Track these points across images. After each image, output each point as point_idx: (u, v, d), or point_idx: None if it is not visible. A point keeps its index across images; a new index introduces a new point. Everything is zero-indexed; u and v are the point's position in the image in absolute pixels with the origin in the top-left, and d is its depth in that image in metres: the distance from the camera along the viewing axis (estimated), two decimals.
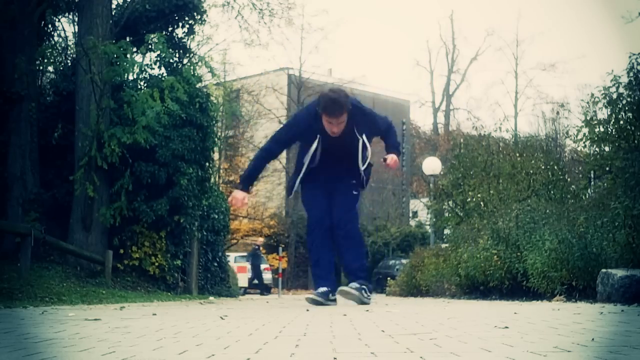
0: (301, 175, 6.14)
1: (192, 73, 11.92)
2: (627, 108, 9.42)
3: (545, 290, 7.42)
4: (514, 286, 8.64)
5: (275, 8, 18.50)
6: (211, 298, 11.55)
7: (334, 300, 6.09)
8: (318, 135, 5.95)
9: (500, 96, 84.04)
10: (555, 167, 13.23)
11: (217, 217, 14.72)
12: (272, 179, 38.44)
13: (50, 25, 13.32)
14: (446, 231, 17.76)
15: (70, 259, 11.04)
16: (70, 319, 4.02)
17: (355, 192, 6.30)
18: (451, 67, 45.08)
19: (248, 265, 27.58)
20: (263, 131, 38.10)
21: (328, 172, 6.13)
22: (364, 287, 6.07)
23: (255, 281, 27.91)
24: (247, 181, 6.30)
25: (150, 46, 11.84)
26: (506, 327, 2.93)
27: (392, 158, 6.13)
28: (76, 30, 12.92)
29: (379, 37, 78.27)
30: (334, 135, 5.95)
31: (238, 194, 6.11)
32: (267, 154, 6.41)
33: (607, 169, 9.92)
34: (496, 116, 50.00)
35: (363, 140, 6.03)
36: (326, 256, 6.31)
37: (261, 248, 28.20)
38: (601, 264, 6.44)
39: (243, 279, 25.61)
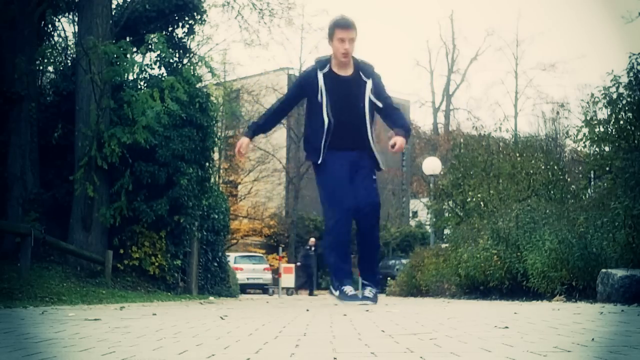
0: (325, 132, 5.83)
1: (192, 73, 11.91)
2: (627, 108, 9.42)
3: (545, 290, 7.42)
4: (514, 286, 8.64)
5: (275, 8, 18.49)
6: (211, 298, 11.55)
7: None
8: (321, 72, 5.94)
9: (500, 96, 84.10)
10: (555, 167, 13.23)
11: (217, 217, 14.72)
12: (272, 179, 38.46)
13: (50, 25, 13.32)
14: (446, 231, 17.77)
15: (70, 259, 11.04)
16: (70, 319, 4.02)
17: (374, 176, 6.14)
18: (451, 67, 45.09)
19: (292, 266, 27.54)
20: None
21: (342, 140, 5.87)
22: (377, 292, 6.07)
23: (306, 281, 27.86)
24: (254, 127, 6.22)
25: (150, 46, 11.84)
26: (506, 327, 2.93)
27: (399, 143, 5.91)
28: (76, 30, 12.92)
29: (379, 37, 78.24)
30: (342, 64, 5.93)
31: (242, 139, 6.06)
32: (278, 108, 6.31)
33: (607, 169, 9.92)
34: (496, 116, 50.04)
35: (368, 85, 5.97)
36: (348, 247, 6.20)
37: (312, 248, 28.10)
38: (601, 264, 6.44)
39: (288, 280, 25.67)
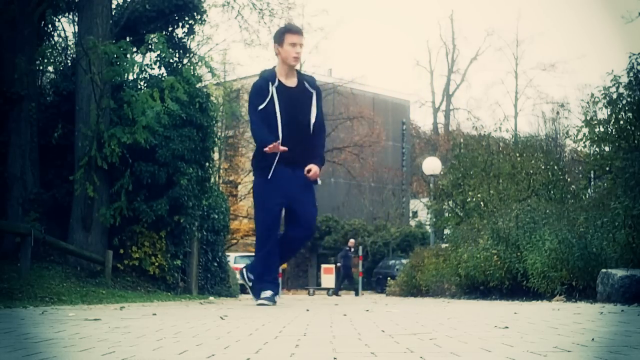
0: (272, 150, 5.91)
1: (192, 73, 11.90)
2: (627, 108, 9.42)
3: (545, 290, 7.42)
4: (514, 286, 8.64)
5: (275, 8, 18.48)
6: (211, 298, 11.55)
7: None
8: (273, 86, 6.11)
9: (500, 96, 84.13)
10: (555, 167, 13.23)
11: (217, 217, 14.71)
12: None
13: (50, 25, 13.31)
14: (446, 231, 17.76)
15: (70, 259, 11.04)
16: (70, 319, 4.02)
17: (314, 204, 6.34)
18: (451, 67, 45.10)
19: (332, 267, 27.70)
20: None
21: (292, 152, 5.94)
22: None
23: (346, 282, 27.97)
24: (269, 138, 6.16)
25: (150, 46, 11.84)
26: (506, 327, 2.93)
27: (314, 171, 6.09)
28: (76, 30, 12.91)
29: (379, 37, 78.25)
30: (289, 71, 6.16)
31: (271, 146, 5.95)
32: (258, 123, 6.24)
33: (607, 169, 9.92)
34: (496, 116, 50.03)
35: (314, 96, 6.16)
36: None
37: (351, 249, 28.20)
38: (601, 264, 6.45)
39: (328, 280, 25.71)
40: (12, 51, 11.43)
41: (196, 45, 18.16)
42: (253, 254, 34.53)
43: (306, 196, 6.19)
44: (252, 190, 6.45)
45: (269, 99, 6.06)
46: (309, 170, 6.07)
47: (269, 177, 5.99)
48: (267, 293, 6.09)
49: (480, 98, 64.76)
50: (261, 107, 6.10)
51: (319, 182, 6.23)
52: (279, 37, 6.23)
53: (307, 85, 6.20)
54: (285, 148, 5.89)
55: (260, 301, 6.06)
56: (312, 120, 6.11)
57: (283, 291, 24.34)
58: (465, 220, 13.70)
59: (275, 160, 5.95)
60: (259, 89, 6.19)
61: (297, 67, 6.39)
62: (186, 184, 11.54)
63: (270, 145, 5.87)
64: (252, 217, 37.58)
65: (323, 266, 24.63)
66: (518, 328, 2.92)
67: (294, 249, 6.76)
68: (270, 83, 6.12)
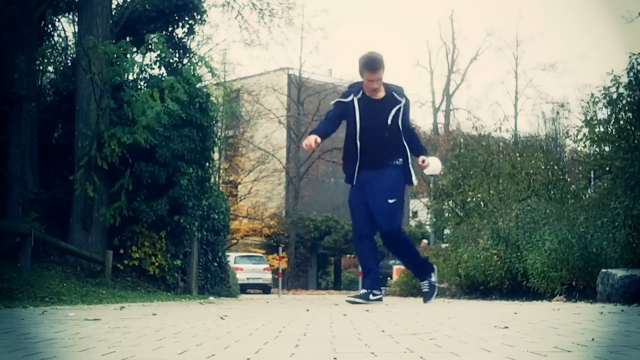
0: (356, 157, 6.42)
1: (192, 73, 11.90)
2: (627, 108, 9.42)
3: (545, 290, 7.42)
4: (514, 286, 8.64)
5: (275, 8, 18.51)
6: (211, 298, 11.55)
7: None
8: (356, 97, 6.44)
9: (500, 96, 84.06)
10: (555, 167, 13.23)
11: (217, 217, 14.71)
12: (272, 179, 38.46)
13: (50, 25, 13.31)
14: (446, 231, 17.76)
15: (70, 259, 11.04)
16: (70, 319, 4.02)
17: (391, 200, 6.51)
18: (451, 67, 45.06)
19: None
20: (263, 131, 38.11)
21: (373, 157, 6.37)
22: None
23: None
24: (317, 132, 6.53)
25: (150, 46, 11.83)
26: (506, 327, 2.93)
27: (427, 161, 6.60)
28: (76, 30, 12.91)
29: (379, 37, 78.21)
30: (373, 92, 6.42)
31: (310, 136, 6.43)
32: (326, 125, 6.64)
33: (607, 169, 9.92)
34: (496, 116, 49.95)
35: (401, 104, 6.49)
36: None
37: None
38: (601, 264, 6.44)
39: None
40: (12, 51, 11.43)
41: (196, 45, 18.14)
42: (253, 253, 34.56)
43: (383, 194, 6.43)
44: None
45: (350, 106, 6.45)
46: (423, 161, 6.59)
47: (354, 184, 6.49)
48: (359, 292, 6.51)
49: (480, 98, 64.58)
50: (337, 110, 6.54)
51: (438, 171, 6.74)
52: (360, 68, 6.49)
53: (395, 95, 6.54)
54: (315, 143, 6.31)
55: (348, 299, 6.51)
56: (389, 123, 6.43)
57: (283, 291, 24.34)
58: (465, 220, 13.71)
59: (356, 169, 6.43)
60: (343, 96, 6.63)
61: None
62: (186, 184, 11.54)
63: (308, 138, 6.37)
64: (251, 217, 37.66)
65: (395, 267, 24.61)
66: (518, 328, 2.92)
67: (390, 247, 6.88)
68: (353, 94, 6.49)
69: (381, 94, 6.54)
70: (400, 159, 6.47)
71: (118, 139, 10.79)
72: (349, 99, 6.48)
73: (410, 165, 6.53)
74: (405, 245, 6.68)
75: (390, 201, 6.38)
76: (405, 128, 6.56)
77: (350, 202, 6.63)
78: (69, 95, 12.01)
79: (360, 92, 6.50)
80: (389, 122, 6.43)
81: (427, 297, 6.53)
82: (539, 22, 71.90)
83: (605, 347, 2.20)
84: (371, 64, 6.40)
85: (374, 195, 6.38)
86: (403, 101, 6.56)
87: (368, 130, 6.38)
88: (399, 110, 6.47)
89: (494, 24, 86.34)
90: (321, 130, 6.53)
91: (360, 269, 6.84)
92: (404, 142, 6.49)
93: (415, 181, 6.63)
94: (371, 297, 6.32)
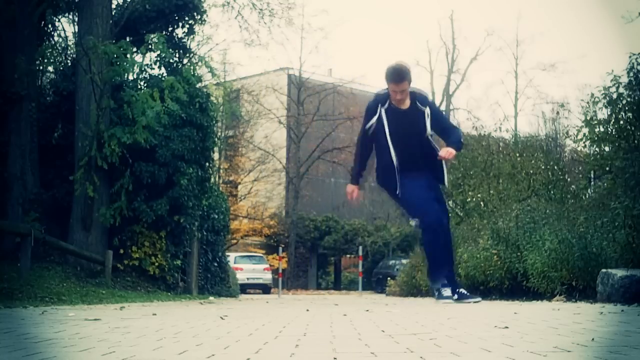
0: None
1: (192, 73, 11.91)
2: (627, 108, 9.42)
3: (545, 290, 7.42)
4: (514, 286, 8.63)
5: (275, 8, 18.51)
6: (211, 298, 11.55)
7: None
8: (382, 108, 6.54)
9: (500, 96, 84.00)
10: (555, 167, 13.22)
11: (217, 217, 14.71)
12: (272, 179, 38.46)
13: (50, 25, 13.32)
14: None
15: (70, 259, 11.04)
16: (70, 319, 4.02)
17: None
18: (451, 67, 45.06)
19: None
20: (263, 131, 38.10)
21: (406, 166, 6.49)
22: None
23: None
24: (356, 173, 6.90)
25: (150, 46, 11.84)
26: (506, 327, 2.93)
27: (446, 150, 6.55)
28: (76, 30, 12.92)
29: (379, 37, 78.21)
30: (398, 102, 6.51)
31: (348, 187, 6.86)
32: (361, 151, 6.86)
33: (607, 169, 9.91)
34: (496, 116, 49.92)
35: (426, 112, 6.57)
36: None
37: None
38: (601, 264, 6.44)
39: None
40: (12, 51, 11.43)
41: (196, 45, 18.17)
42: (253, 253, 34.71)
43: (430, 195, 6.60)
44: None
45: (377, 118, 6.56)
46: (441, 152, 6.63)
47: (397, 193, 6.57)
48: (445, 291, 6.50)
49: (480, 98, 64.59)
50: (368, 126, 6.63)
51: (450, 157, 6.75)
52: (385, 78, 6.58)
53: (418, 104, 6.60)
54: (355, 199, 6.76)
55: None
56: (427, 132, 6.54)
57: (283, 291, 24.34)
58: (465, 220, 13.69)
59: (398, 178, 6.52)
60: (368, 110, 6.71)
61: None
62: (186, 184, 11.54)
63: (351, 188, 6.77)
64: (251, 217, 37.65)
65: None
66: (518, 328, 2.92)
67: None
68: (380, 105, 6.58)
69: (407, 103, 6.62)
70: (432, 164, 6.57)
71: (118, 139, 10.79)
72: (377, 110, 6.57)
73: (443, 167, 6.64)
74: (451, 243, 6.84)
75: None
76: (444, 129, 6.69)
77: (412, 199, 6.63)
78: (69, 95, 12.01)
79: (387, 102, 6.59)
80: (420, 131, 6.53)
81: (463, 297, 6.45)
82: (539, 22, 71.90)
83: (605, 347, 2.20)
84: (396, 76, 6.48)
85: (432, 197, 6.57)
86: (427, 109, 6.63)
87: (399, 140, 6.49)
88: (425, 118, 6.56)
89: (494, 24, 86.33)
90: (357, 175, 6.82)
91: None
92: (435, 148, 6.58)
93: (447, 183, 6.82)
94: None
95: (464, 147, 16.45)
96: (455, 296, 6.46)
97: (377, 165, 6.78)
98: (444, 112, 7.12)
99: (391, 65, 6.57)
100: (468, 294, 6.57)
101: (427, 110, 6.62)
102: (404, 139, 6.52)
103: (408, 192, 6.54)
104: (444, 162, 6.63)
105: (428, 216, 6.54)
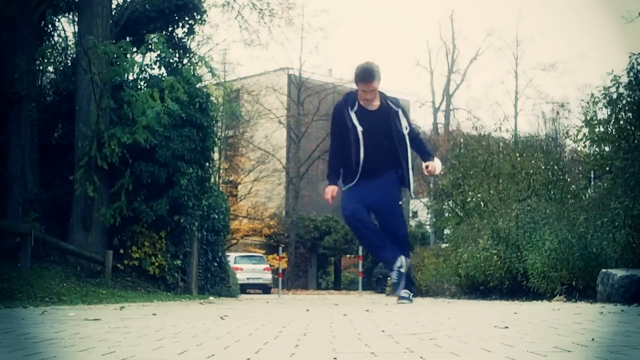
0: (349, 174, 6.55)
1: (192, 73, 11.91)
2: (627, 108, 9.42)
3: (545, 290, 7.42)
4: (514, 286, 8.64)
5: (275, 8, 18.51)
6: (211, 298, 11.55)
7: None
8: (352, 110, 6.49)
9: (500, 96, 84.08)
10: (555, 167, 13.23)
11: (217, 217, 14.71)
12: (272, 179, 38.46)
13: (50, 25, 13.31)
14: (446, 231, 17.76)
15: (70, 259, 11.04)
16: (70, 319, 4.02)
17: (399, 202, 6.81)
18: (451, 67, 45.06)
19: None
20: (263, 131, 38.10)
21: (373, 167, 6.44)
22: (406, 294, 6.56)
23: None
24: (335, 175, 6.78)
25: (150, 46, 11.84)
26: (506, 327, 2.94)
27: (433, 166, 6.72)
28: (76, 30, 12.91)
29: (379, 37, 78.23)
30: (367, 103, 6.48)
31: (327, 188, 6.75)
32: (335, 151, 6.78)
33: (607, 169, 9.92)
34: (496, 116, 49.93)
35: (399, 113, 6.56)
36: None
37: None
38: (601, 264, 6.44)
39: None
40: (12, 51, 11.43)
41: (196, 45, 18.15)
42: (253, 253, 34.75)
43: (388, 199, 6.62)
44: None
45: (347, 119, 6.51)
46: (427, 167, 6.75)
47: (350, 193, 6.57)
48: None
49: (480, 98, 64.61)
50: (340, 130, 6.60)
51: (438, 171, 6.89)
52: (355, 78, 6.57)
53: (390, 104, 6.59)
54: (332, 199, 6.72)
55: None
56: (402, 133, 6.53)
57: (283, 291, 24.33)
58: (465, 220, 13.70)
59: (356, 179, 6.49)
60: (338, 111, 6.67)
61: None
62: (186, 184, 11.54)
63: (330, 189, 6.67)
64: (251, 217, 37.64)
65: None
66: (518, 328, 2.92)
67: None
68: (349, 106, 6.55)
69: (376, 103, 6.57)
70: (399, 167, 6.55)
71: (118, 139, 10.79)
72: (344, 112, 6.51)
73: (409, 172, 6.58)
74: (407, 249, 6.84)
75: (399, 203, 6.67)
76: (411, 136, 6.64)
77: (349, 211, 6.61)
78: (69, 95, 12.01)
79: (356, 104, 6.54)
80: (388, 131, 6.49)
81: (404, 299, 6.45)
82: (539, 22, 71.91)
83: (605, 347, 2.20)
84: (366, 75, 6.44)
85: (378, 201, 6.51)
86: (399, 110, 6.60)
87: (369, 141, 6.43)
88: (396, 118, 6.53)
89: (494, 24, 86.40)
90: (335, 175, 6.70)
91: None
92: (405, 149, 6.54)
93: (412, 186, 6.70)
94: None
95: (463, 148, 16.52)
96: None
97: (343, 165, 6.65)
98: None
99: (360, 65, 6.54)
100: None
101: (400, 112, 6.59)
102: (373, 140, 6.46)
103: (354, 189, 6.52)
104: (410, 166, 6.59)
105: (345, 211, 6.63)
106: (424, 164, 6.79)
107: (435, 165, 6.80)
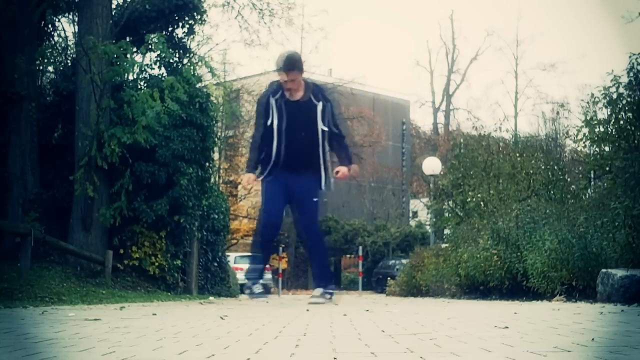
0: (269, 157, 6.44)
1: (192, 73, 11.91)
2: (627, 108, 9.42)
3: (545, 290, 7.42)
4: (514, 286, 8.64)
5: (275, 8, 18.49)
6: (211, 298, 11.55)
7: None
8: (273, 98, 6.41)
9: (500, 96, 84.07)
10: (555, 167, 13.22)
11: (217, 217, 14.71)
12: None
13: (50, 25, 13.31)
14: (446, 231, 17.76)
15: (70, 259, 11.04)
16: (70, 319, 4.02)
17: (315, 199, 6.66)
18: (451, 67, 45.09)
19: None
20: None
21: (290, 158, 6.35)
22: (327, 292, 6.51)
23: None
24: (253, 163, 6.71)
25: (150, 46, 11.83)
26: (506, 327, 2.94)
27: (345, 170, 6.53)
28: (76, 30, 12.91)
29: (379, 37, 78.26)
30: (290, 93, 6.40)
31: (245, 176, 6.72)
32: (254, 148, 6.72)
33: (607, 169, 9.92)
34: (496, 116, 49.95)
35: (322, 105, 6.43)
36: None
37: None
38: (601, 264, 6.44)
39: None
40: (12, 51, 11.43)
41: (196, 45, 18.13)
42: (253, 254, 34.67)
43: (306, 194, 6.57)
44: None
45: (269, 109, 6.42)
46: (337, 172, 6.58)
47: (264, 182, 6.56)
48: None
49: (480, 98, 64.71)
50: (262, 120, 6.51)
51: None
52: (276, 67, 6.51)
53: (312, 97, 6.46)
54: (250, 187, 6.43)
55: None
56: (320, 130, 6.41)
57: (283, 291, 24.32)
58: (465, 220, 13.70)
59: (269, 168, 6.45)
60: (260, 100, 6.64)
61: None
62: (186, 184, 11.54)
63: (248, 177, 6.58)
64: (252, 217, 37.63)
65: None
66: (518, 328, 2.92)
67: (307, 244, 7.08)
68: (271, 95, 6.44)
69: (300, 94, 6.46)
70: (317, 163, 6.44)
71: (118, 139, 10.79)
72: (267, 101, 6.44)
73: (326, 171, 6.48)
74: (323, 244, 6.87)
75: (314, 200, 6.57)
76: (331, 132, 6.50)
77: (266, 216, 6.68)
78: (69, 95, 12.01)
79: (279, 93, 6.45)
80: (308, 124, 6.39)
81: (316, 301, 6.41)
82: (539, 22, 71.93)
83: (605, 347, 2.20)
84: (286, 64, 6.36)
85: (296, 195, 6.47)
86: (321, 104, 6.46)
87: (287, 133, 6.34)
88: (317, 112, 6.41)
89: (494, 24, 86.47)
90: (253, 164, 6.64)
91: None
92: (323, 146, 6.44)
93: (324, 187, 6.57)
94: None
95: (464, 148, 16.54)
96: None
97: (262, 155, 6.56)
98: (339, 116, 6.92)
99: (281, 54, 6.48)
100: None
101: (320, 105, 6.45)
102: (292, 133, 6.36)
103: (270, 187, 6.51)
104: (329, 167, 6.50)
105: (265, 214, 6.68)
106: (336, 169, 6.60)
107: (346, 171, 6.57)
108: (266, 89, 6.61)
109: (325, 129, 6.43)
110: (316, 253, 6.80)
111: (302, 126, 6.38)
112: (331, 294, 6.51)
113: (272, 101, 6.41)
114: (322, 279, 6.64)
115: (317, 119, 6.40)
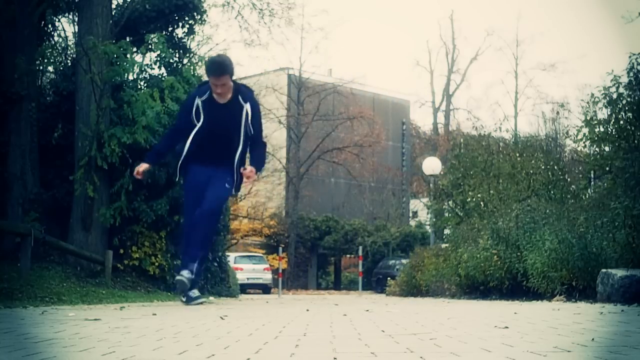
0: (185, 152, 6.60)
1: (192, 73, 11.90)
2: (627, 108, 9.42)
3: (545, 290, 7.42)
4: (514, 286, 8.64)
5: (275, 8, 18.52)
6: (211, 298, 11.55)
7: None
8: (200, 99, 6.43)
9: (500, 96, 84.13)
10: (555, 167, 13.23)
11: None
12: (272, 179, 38.46)
13: (50, 25, 13.31)
14: (446, 231, 17.76)
15: (70, 259, 11.04)
16: (70, 319, 4.02)
17: (227, 185, 6.65)
18: (451, 67, 45.11)
19: None
20: (263, 131, 38.10)
21: (208, 155, 6.44)
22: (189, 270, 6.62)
23: None
24: (151, 156, 7.11)
25: (150, 46, 11.83)
26: (506, 327, 2.94)
27: (251, 170, 6.52)
28: (76, 30, 12.91)
29: (379, 37, 78.28)
30: (218, 96, 6.39)
31: (142, 164, 7.00)
32: (165, 140, 7.01)
33: (607, 169, 9.92)
34: (496, 116, 50.00)
35: (246, 108, 6.47)
36: None
37: None
38: (601, 264, 6.45)
39: None
40: (12, 51, 11.43)
41: (196, 45, 18.10)
42: (253, 253, 34.70)
43: (216, 186, 6.60)
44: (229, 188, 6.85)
45: (194, 109, 6.46)
46: (244, 169, 6.54)
47: (180, 181, 6.72)
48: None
49: (480, 98, 64.72)
50: (185, 116, 6.59)
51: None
52: (205, 71, 6.56)
53: (240, 99, 6.48)
54: (140, 176, 7.07)
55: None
56: (242, 133, 6.46)
57: (283, 291, 24.33)
58: (465, 220, 13.70)
59: (185, 164, 6.68)
60: (186, 99, 6.73)
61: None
62: None
63: (140, 166, 6.87)
64: (251, 217, 37.64)
65: None
66: (518, 328, 2.92)
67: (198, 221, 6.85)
68: (198, 96, 6.49)
69: (228, 96, 6.45)
70: (231, 165, 6.47)
71: (118, 139, 10.79)
72: (193, 100, 6.47)
73: (234, 172, 6.51)
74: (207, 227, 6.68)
75: (226, 186, 6.56)
76: (252, 136, 6.54)
77: (188, 214, 6.69)
78: (69, 95, 12.01)
79: (206, 94, 6.45)
80: (233, 128, 6.41)
81: (180, 288, 6.56)
82: (539, 22, 71.95)
83: (605, 347, 2.20)
84: (215, 69, 6.34)
85: (206, 193, 6.50)
86: (248, 104, 6.48)
87: (207, 135, 6.38)
88: (241, 115, 6.43)
89: (494, 24, 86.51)
90: (154, 155, 6.89)
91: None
92: (243, 150, 6.48)
93: (233, 191, 6.65)
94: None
95: (464, 148, 16.54)
96: (184, 298, 6.78)
97: (180, 150, 6.65)
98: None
99: (211, 58, 6.56)
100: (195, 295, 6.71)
101: (247, 107, 6.47)
102: (212, 135, 6.40)
103: (189, 186, 6.62)
104: (235, 166, 6.52)
105: (185, 210, 6.81)
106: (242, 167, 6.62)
107: (252, 172, 6.58)
108: (195, 89, 6.69)
109: (249, 132, 6.50)
110: (195, 231, 6.67)
111: (223, 130, 6.43)
112: (191, 274, 6.51)
113: (199, 102, 6.44)
114: (187, 257, 6.66)
115: (241, 123, 6.43)
